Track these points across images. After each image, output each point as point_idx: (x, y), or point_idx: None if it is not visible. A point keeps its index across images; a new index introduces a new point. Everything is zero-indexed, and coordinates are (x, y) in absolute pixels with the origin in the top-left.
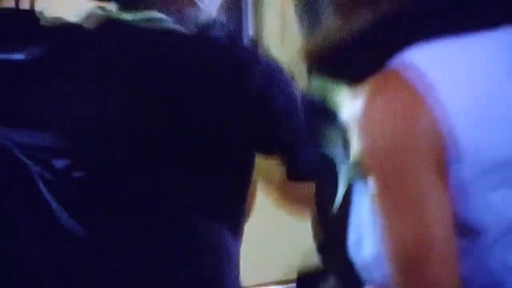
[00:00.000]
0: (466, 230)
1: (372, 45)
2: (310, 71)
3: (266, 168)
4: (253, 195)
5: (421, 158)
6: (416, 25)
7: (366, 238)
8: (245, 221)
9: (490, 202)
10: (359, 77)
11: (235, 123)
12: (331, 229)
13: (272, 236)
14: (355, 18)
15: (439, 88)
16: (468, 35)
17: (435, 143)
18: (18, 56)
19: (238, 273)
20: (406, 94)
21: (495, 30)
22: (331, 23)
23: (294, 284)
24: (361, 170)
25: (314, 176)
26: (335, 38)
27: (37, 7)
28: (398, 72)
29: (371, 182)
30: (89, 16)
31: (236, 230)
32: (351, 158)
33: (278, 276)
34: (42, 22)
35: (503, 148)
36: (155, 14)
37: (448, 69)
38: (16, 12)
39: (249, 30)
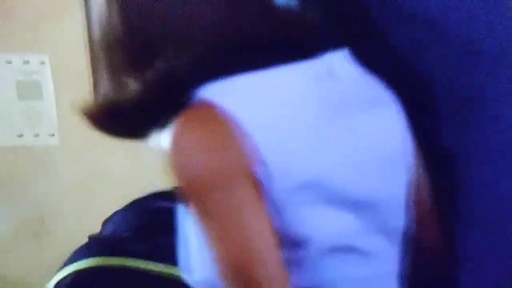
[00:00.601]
0: (292, 242)
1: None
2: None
3: None
4: None
5: (233, 181)
6: (208, 68)
7: (195, 261)
8: None
9: (308, 216)
10: (162, 121)
11: None
12: None
13: None
14: (128, 82)
15: (240, 117)
16: (271, 68)
17: (245, 167)
18: None
19: None
20: (211, 126)
21: (297, 63)
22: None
23: None
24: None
25: None
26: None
27: None
28: (201, 108)
29: (190, 209)
30: None
31: None
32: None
33: None
34: None
35: (311, 169)
36: None
37: (247, 101)
38: None
39: None
